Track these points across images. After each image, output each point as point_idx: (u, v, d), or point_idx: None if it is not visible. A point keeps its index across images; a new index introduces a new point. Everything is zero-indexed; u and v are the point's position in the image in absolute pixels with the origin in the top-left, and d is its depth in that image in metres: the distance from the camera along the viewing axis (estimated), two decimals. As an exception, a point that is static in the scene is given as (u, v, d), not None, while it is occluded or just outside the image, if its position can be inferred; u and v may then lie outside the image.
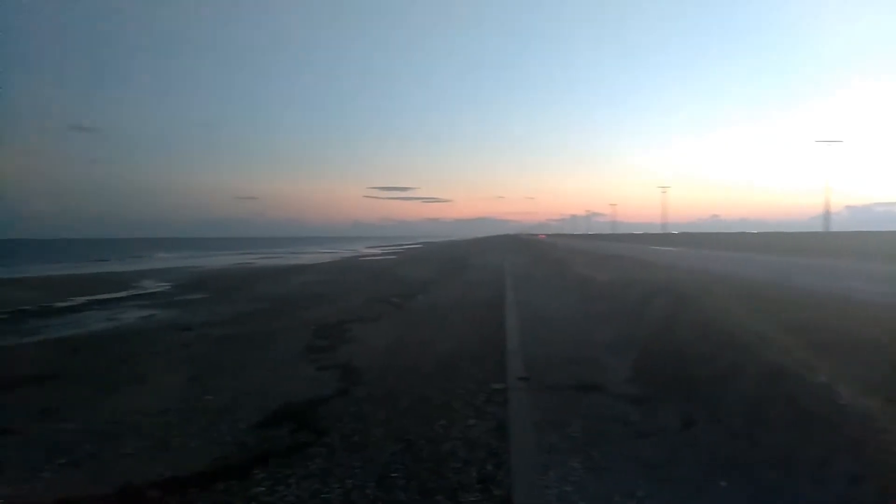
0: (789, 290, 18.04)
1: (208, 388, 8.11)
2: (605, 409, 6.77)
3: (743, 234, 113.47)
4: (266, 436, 6.12)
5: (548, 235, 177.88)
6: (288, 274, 34.99)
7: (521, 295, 18.74)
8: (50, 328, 15.84)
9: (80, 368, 10.08)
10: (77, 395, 8.17)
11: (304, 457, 5.47)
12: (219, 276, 35.27)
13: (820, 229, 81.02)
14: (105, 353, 11.54)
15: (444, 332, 12.41)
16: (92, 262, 56.87)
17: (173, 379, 8.78)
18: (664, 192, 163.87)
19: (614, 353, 9.55)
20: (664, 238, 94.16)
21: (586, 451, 5.43)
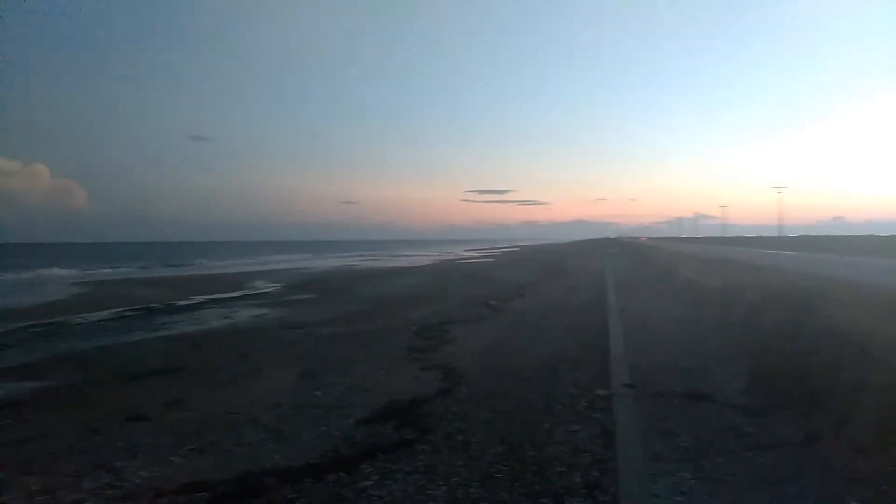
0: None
1: (317, 384, 8.48)
2: (717, 419, 6.46)
3: (870, 237, 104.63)
4: (373, 431, 6.31)
5: (651, 238, 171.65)
6: (389, 276, 35.93)
7: (624, 300, 18.23)
8: (174, 324, 17.12)
9: (202, 362, 10.84)
10: (199, 386, 8.78)
11: (410, 453, 5.60)
12: (324, 277, 36.76)
13: (962, 231, 73.16)
14: (223, 348, 12.34)
15: (544, 335, 12.30)
16: (205, 264, 60.86)
17: (285, 374, 9.25)
18: (780, 192, 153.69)
19: (725, 362, 9.09)
20: (780, 241, 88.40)
21: (697, 462, 5.21)
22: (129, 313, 20.36)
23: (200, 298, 24.87)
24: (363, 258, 69.73)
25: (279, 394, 7.96)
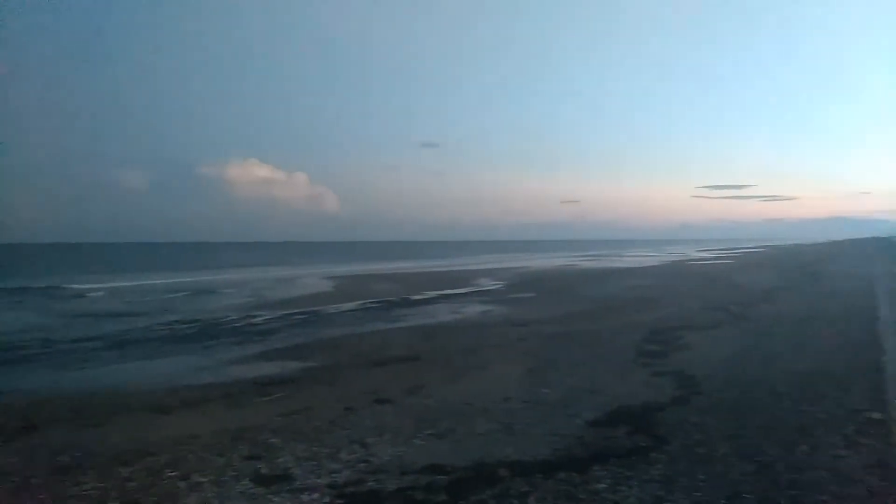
0: None
1: (544, 382, 8.50)
2: None
3: None
4: (603, 434, 6.13)
5: None
6: (613, 276, 34.90)
7: (899, 309, 15.47)
8: (410, 317, 18.50)
9: (436, 353, 11.52)
10: (435, 375, 9.34)
11: (645, 461, 5.32)
12: (546, 276, 36.95)
13: None
14: (454, 341, 13.00)
15: (797, 347, 10.93)
16: (435, 262, 64.81)
17: (512, 370, 9.43)
18: None
19: None
20: None
21: None
22: (371, 305, 22.50)
23: (431, 294, 26.56)
24: (586, 258, 68.72)
25: (508, 388, 8.13)
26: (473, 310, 19.80)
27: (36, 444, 6.33)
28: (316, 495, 4.74)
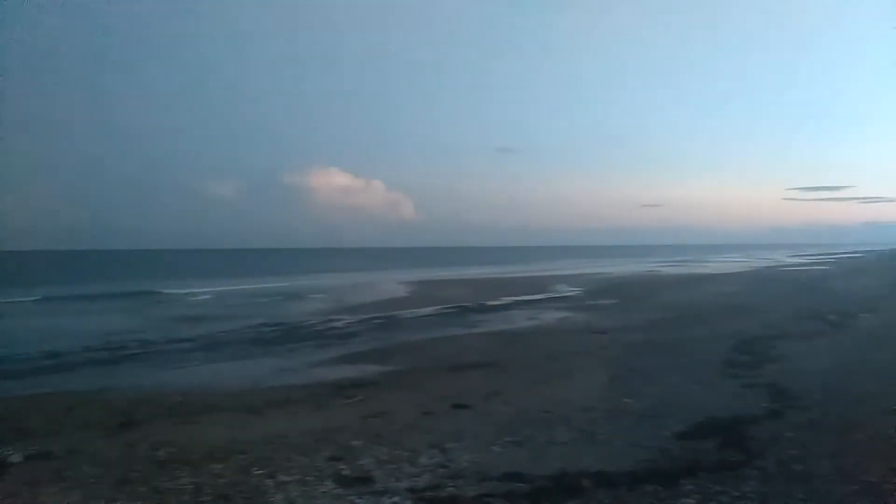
0: None
1: (627, 391, 8.25)
2: None
3: None
4: (690, 447, 5.87)
5: None
6: (697, 283, 33.59)
7: None
8: (486, 322, 18.45)
9: (513, 359, 11.42)
10: (513, 382, 9.25)
11: (736, 476, 5.05)
12: (626, 283, 35.98)
13: None
14: (532, 347, 12.86)
15: (905, 359, 10.13)
16: (509, 267, 64.32)
17: (593, 378, 9.22)
18: None
19: None
20: None
21: None
22: (447, 310, 22.62)
23: (508, 299, 26.40)
24: (669, 264, 66.41)
25: (589, 397, 7.94)
26: (551, 316, 19.53)
27: (135, 439, 6.71)
28: (396, 499, 4.77)
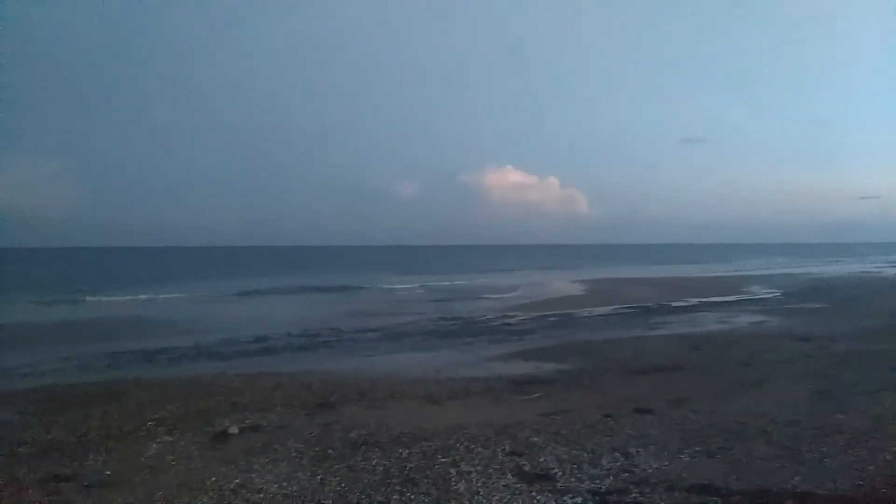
0: None
1: (839, 407, 7.29)
2: None
3: None
4: (924, 477, 5.04)
5: None
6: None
7: None
8: (670, 324, 17.45)
9: (701, 365, 10.67)
10: (701, 389, 8.64)
11: None
12: (835, 284, 32.03)
13: None
14: (722, 353, 11.90)
15: None
16: (696, 265, 60.09)
17: (796, 390, 8.29)
18: None
19: None
20: None
21: None
22: (626, 310, 21.78)
23: (694, 300, 24.80)
24: (890, 263, 57.71)
25: (792, 410, 7.15)
26: (744, 320, 18.00)
27: (331, 419, 7.30)
28: (578, 500, 4.66)
